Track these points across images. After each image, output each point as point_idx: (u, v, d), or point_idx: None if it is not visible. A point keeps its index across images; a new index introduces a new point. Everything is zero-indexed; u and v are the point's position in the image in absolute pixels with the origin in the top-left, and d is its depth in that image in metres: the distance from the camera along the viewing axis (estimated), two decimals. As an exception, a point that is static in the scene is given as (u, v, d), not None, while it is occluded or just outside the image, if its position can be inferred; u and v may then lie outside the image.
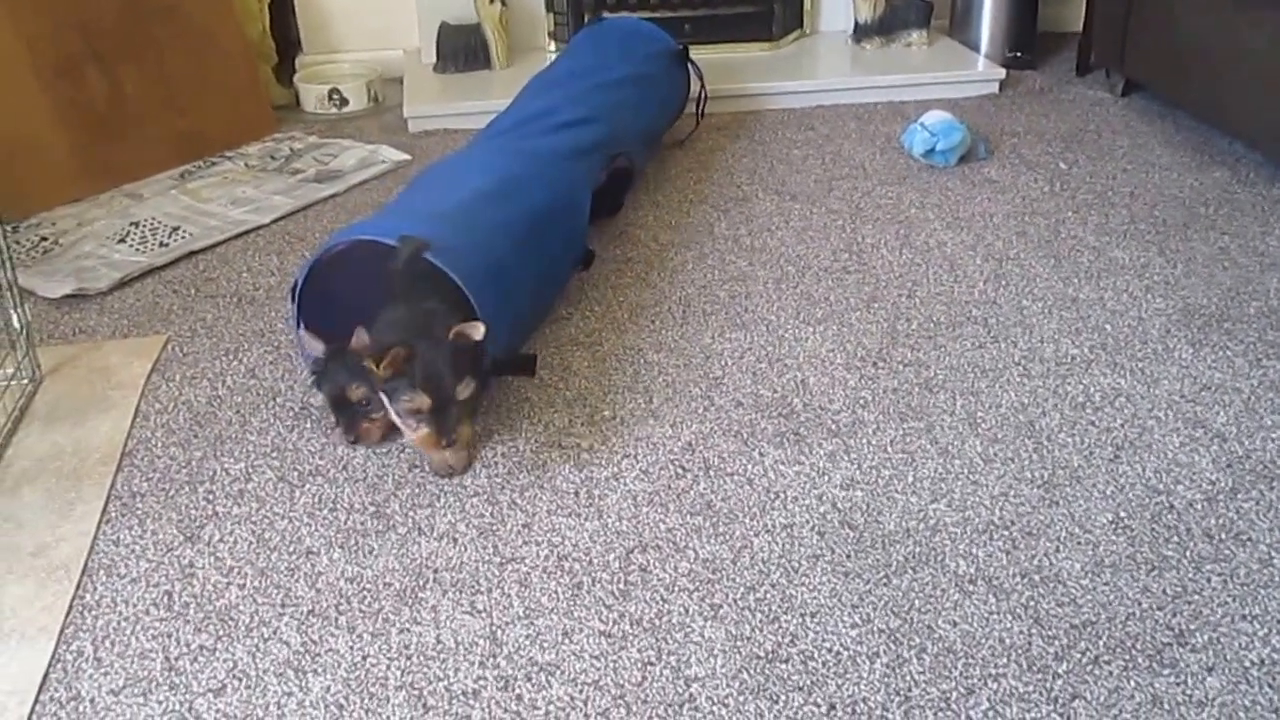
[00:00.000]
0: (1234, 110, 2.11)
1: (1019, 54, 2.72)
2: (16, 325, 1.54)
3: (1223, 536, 1.23)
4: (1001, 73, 2.60)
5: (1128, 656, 1.08)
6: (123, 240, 1.94)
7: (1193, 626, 1.11)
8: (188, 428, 1.45)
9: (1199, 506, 1.28)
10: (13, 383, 1.51)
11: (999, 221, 1.98)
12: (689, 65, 2.25)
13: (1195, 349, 1.58)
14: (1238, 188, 2.08)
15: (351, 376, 1.36)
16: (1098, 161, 2.21)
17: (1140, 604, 1.14)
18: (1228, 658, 1.08)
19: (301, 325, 1.44)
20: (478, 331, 1.26)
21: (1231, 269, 1.80)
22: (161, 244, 1.93)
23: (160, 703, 1.05)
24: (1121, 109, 2.48)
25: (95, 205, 2.08)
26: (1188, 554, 1.21)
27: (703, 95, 2.32)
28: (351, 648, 1.11)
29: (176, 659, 1.10)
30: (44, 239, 1.95)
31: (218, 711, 1.04)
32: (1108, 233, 1.93)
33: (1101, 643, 1.09)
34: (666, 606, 1.15)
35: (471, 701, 1.05)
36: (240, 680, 1.07)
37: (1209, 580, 1.17)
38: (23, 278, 1.74)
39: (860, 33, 2.75)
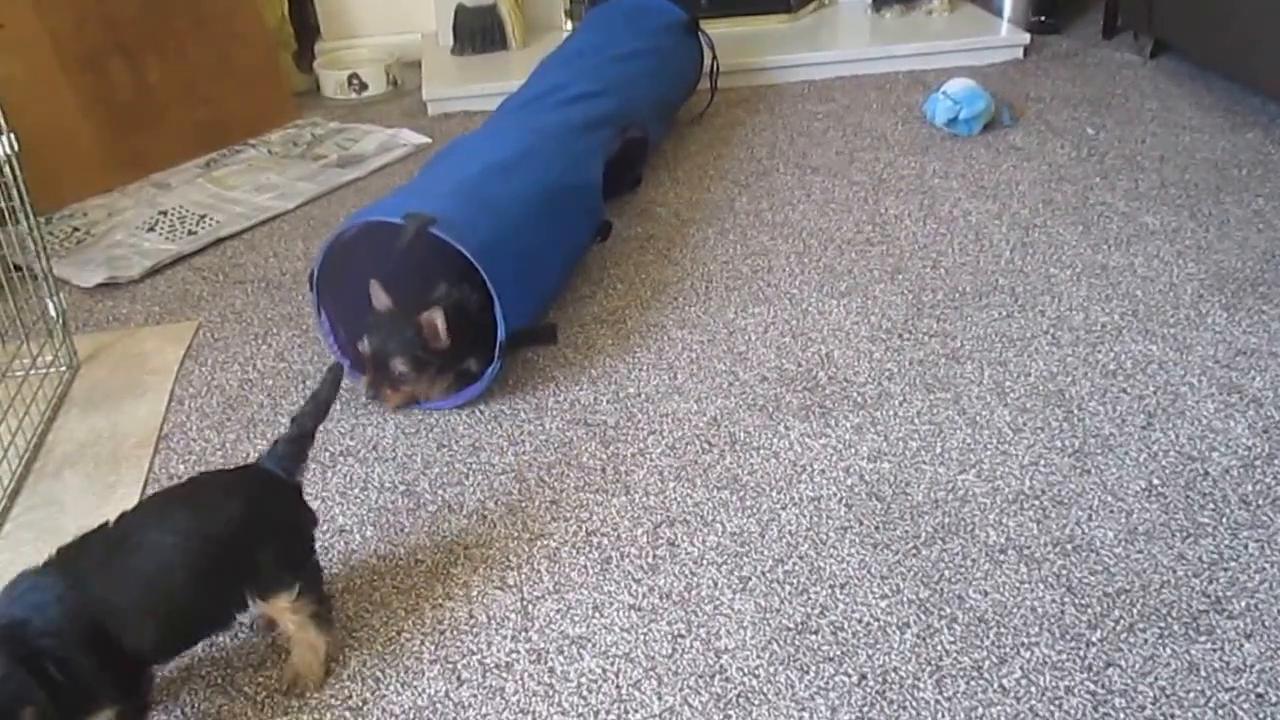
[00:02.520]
0: (1267, 69, 2.05)
1: (1043, 18, 2.66)
2: (53, 314, 1.57)
3: (1260, 502, 1.22)
4: (1026, 37, 2.55)
5: (1163, 624, 1.07)
6: (152, 229, 1.97)
7: (1229, 593, 1.10)
8: (221, 411, 1.48)
9: (1235, 473, 1.26)
10: (51, 370, 1.55)
11: (1025, 189, 1.95)
12: (699, 36, 2.23)
13: (1229, 314, 1.56)
14: (1271, 149, 2.03)
15: (400, 345, 1.38)
16: (1126, 125, 2.17)
17: (1175, 571, 1.13)
18: (1266, 624, 1.06)
19: (318, 301, 1.46)
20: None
21: (1266, 232, 1.77)
22: (190, 232, 1.96)
23: (203, 677, 1.08)
24: (1150, 71, 2.43)
25: (124, 195, 2.11)
26: (1224, 520, 1.19)
27: (715, 66, 2.30)
28: (386, 623, 1.13)
29: (217, 637, 1.12)
30: (76, 229, 1.99)
31: (258, 685, 1.06)
32: (1137, 198, 1.90)
33: (1136, 610, 1.09)
34: (695, 580, 1.16)
35: (505, 674, 1.06)
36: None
37: (1246, 547, 1.16)
38: (57, 268, 1.77)
39: (880, 1, 2.71)
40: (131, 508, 1.00)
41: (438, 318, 1.38)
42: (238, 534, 0.98)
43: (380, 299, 1.41)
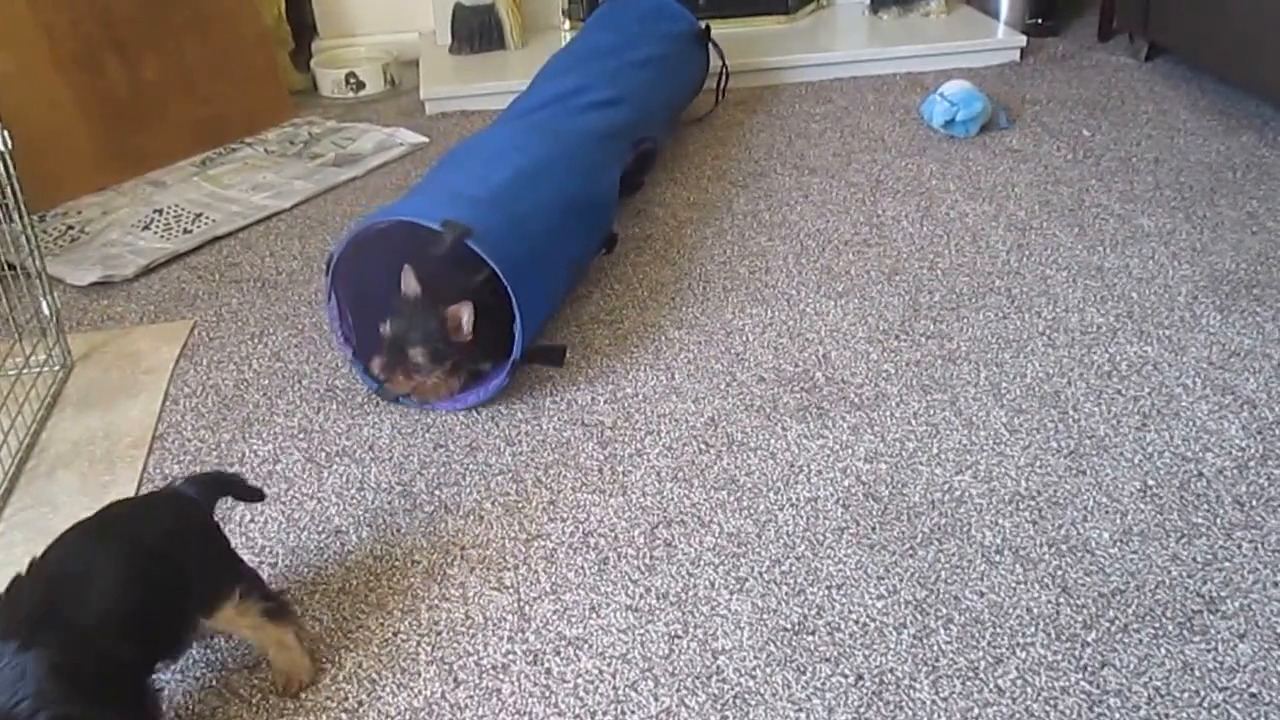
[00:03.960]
0: (1262, 72, 2.06)
1: (1040, 20, 2.67)
2: (47, 313, 1.56)
3: (1253, 503, 1.22)
4: (1022, 40, 2.56)
5: (1158, 624, 1.07)
6: (147, 227, 1.96)
7: (1223, 593, 1.11)
8: (216, 411, 1.47)
9: (1229, 473, 1.26)
10: (45, 369, 1.54)
11: (1021, 191, 1.96)
12: (710, 45, 2.24)
13: (1223, 315, 1.56)
14: (1266, 151, 2.04)
15: (421, 335, 1.38)
16: (1121, 128, 2.17)
17: (1170, 572, 1.14)
18: (1259, 624, 1.07)
19: (328, 282, 1.46)
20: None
21: (1260, 234, 1.77)
22: (185, 230, 1.95)
23: (197, 678, 1.07)
24: (1145, 74, 2.44)
25: (119, 193, 2.10)
26: (1218, 521, 1.20)
27: (724, 73, 2.30)
28: (382, 624, 1.12)
29: (212, 638, 1.12)
30: (70, 228, 1.98)
31: (253, 686, 1.06)
32: (1133, 200, 1.90)
33: (1131, 611, 1.09)
34: (692, 580, 1.16)
35: (501, 675, 1.06)
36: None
37: (1239, 547, 1.16)
38: (51, 266, 1.76)
39: (877, 3, 2.72)
40: (44, 549, 0.95)
41: (464, 311, 1.38)
42: (168, 549, 0.97)
43: (411, 285, 1.40)
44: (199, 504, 1.05)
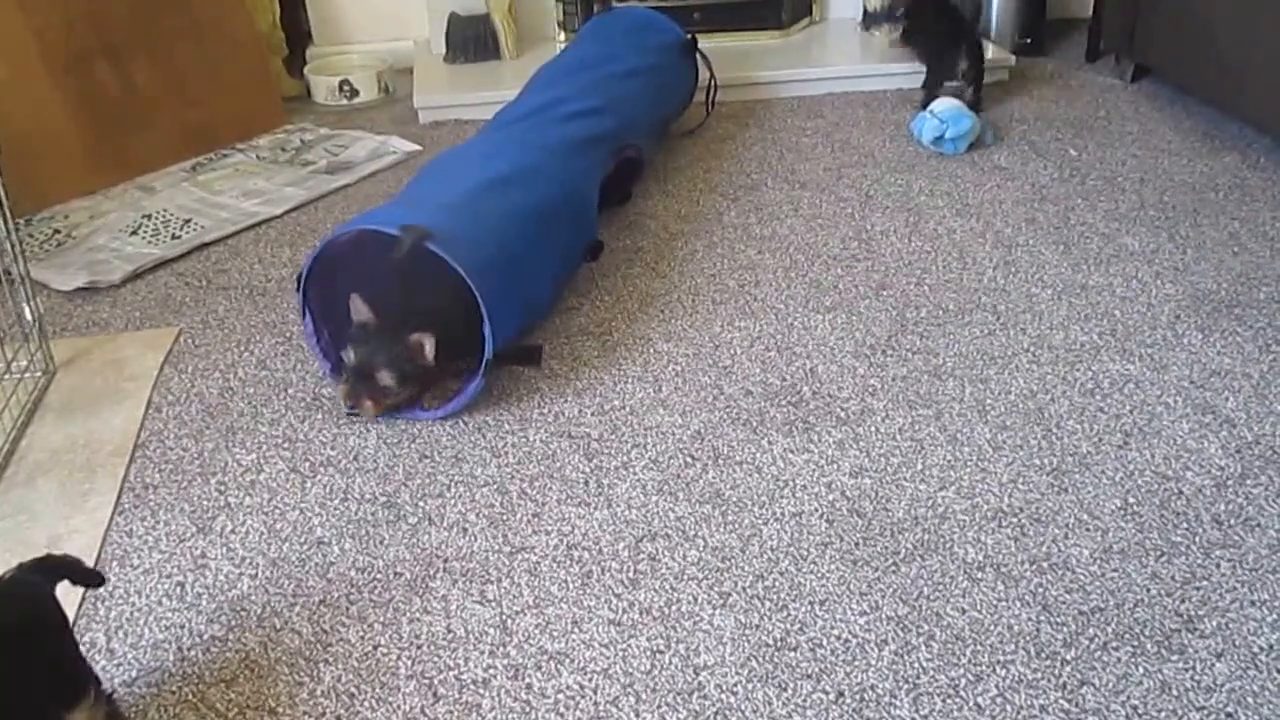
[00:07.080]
0: (1245, 94, 2.09)
1: (1028, 40, 2.70)
2: (30, 318, 1.55)
3: (1232, 522, 1.23)
4: (1011, 59, 2.58)
5: (1136, 643, 1.08)
6: (135, 232, 1.96)
7: (1201, 612, 1.11)
8: (200, 419, 1.46)
9: (1208, 492, 1.27)
10: (26, 375, 1.53)
11: (1008, 209, 1.97)
12: (698, 56, 2.25)
13: (1205, 335, 1.58)
14: (1248, 173, 2.07)
15: (387, 359, 1.38)
16: (1107, 148, 2.19)
17: (1149, 590, 1.14)
18: (1236, 644, 1.08)
19: (304, 303, 1.46)
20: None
21: (1242, 254, 1.79)
22: (173, 236, 1.94)
23: (173, 693, 1.06)
24: (1131, 95, 2.46)
25: (107, 198, 2.10)
26: (1197, 540, 1.21)
27: (713, 85, 2.32)
28: (362, 637, 1.12)
29: (189, 649, 1.11)
30: (57, 232, 1.97)
31: (230, 701, 1.05)
32: (1117, 219, 1.92)
33: (1110, 629, 1.10)
34: (676, 595, 1.16)
35: (482, 690, 1.06)
36: (252, 670, 1.08)
37: (1218, 566, 1.17)
38: (36, 270, 1.75)
39: (870, 20, 2.73)
40: None
41: (427, 341, 1.37)
42: (28, 642, 0.90)
43: (360, 312, 1.40)
44: (48, 592, 0.96)
